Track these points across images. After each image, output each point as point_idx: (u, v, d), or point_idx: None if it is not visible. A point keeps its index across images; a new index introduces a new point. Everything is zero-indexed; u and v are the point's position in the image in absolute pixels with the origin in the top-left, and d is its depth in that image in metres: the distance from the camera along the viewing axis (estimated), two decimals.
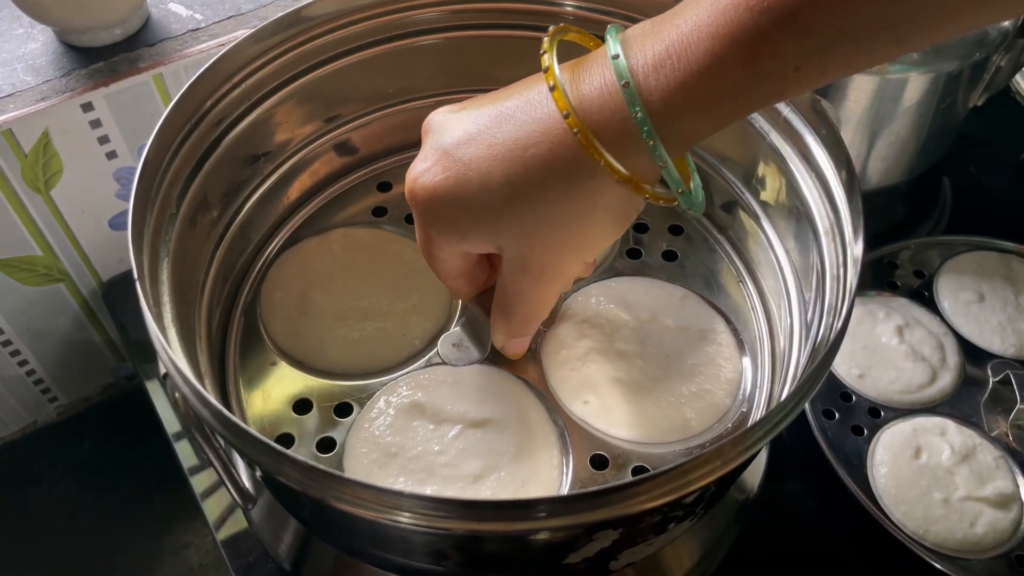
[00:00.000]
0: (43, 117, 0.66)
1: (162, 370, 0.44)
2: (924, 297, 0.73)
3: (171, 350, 0.42)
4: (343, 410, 0.53)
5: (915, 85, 0.68)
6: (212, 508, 0.66)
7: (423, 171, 0.42)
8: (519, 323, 0.49)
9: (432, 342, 0.55)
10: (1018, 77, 0.90)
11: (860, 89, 0.68)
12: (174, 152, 0.51)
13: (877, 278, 0.75)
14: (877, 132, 0.72)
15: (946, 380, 0.68)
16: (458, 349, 0.55)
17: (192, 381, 0.40)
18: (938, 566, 0.58)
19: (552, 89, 0.39)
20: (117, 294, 0.79)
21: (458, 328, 0.56)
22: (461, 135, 0.42)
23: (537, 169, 0.40)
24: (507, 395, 0.52)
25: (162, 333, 0.43)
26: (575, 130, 0.38)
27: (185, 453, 0.69)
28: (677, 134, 0.38)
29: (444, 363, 0.54)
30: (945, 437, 0.63)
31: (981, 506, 0.60)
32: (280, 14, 0.55)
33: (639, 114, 0.37)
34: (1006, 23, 0.68)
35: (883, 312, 0.71)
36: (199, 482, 0.68)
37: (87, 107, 0.68)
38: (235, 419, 0.40)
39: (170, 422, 0.70)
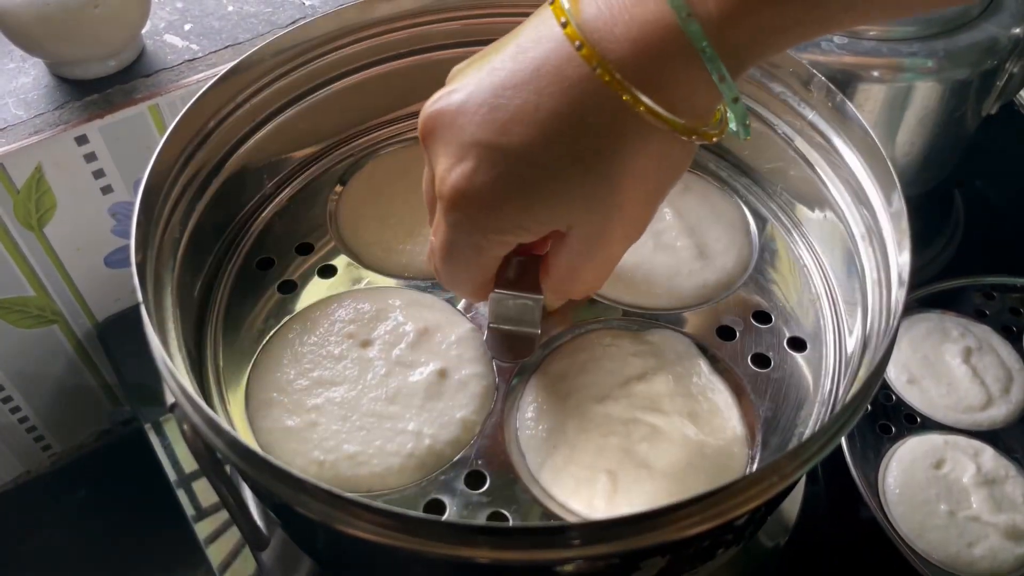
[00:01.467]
0: (36, 151, 0.64)
1: (170, 399, 0.42)
2: (1012, 333, 0.69)
3: (179, 376, 0.39)
4: None
5: (925, 93, 0.67)
6: (216, 554, 0.63)
7: (458, 173, 0.38)
8: (588, 289, 0.45)
9: None
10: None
11: (870, 98, 0.67)
12: (177, 172, 0.49)
13: (965, 302, 0.71)
14: (887, 142, 0.70)
15: (1002, 410, 0.64)
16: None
17: (203, 408, 0.38)
18: (919, 569, 0.55)
19: (579, 48, 0.36)
20: (113, 334, 0.76)
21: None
22: (487, 120, 0.38)
23: (584, 132, 0.37)
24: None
25: (169, 359, 0.40)
26: (624, 96, 0.36)
27: (187, 499, 0.66)
28: (737, 51, 0.35)
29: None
30: (977, 459, 0.60)
31: (988, 530, 0.57)
32: (283, 32, 0.53)
33: (694, 28, 0.34)
34: (1016, 30, 0.67)
35: (958, 331, 0.67)
36: (203, 528, 0.65)
37: (81, 140, 0.66)
38: (250, 445, 0.37)
39: (172, 466, 0.67)
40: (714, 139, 0.38)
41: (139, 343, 0.78)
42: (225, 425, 0.37)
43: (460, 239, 0.41)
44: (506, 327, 0.49)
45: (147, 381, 0.73)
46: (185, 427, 0.42)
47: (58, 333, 0.75)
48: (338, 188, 0.58)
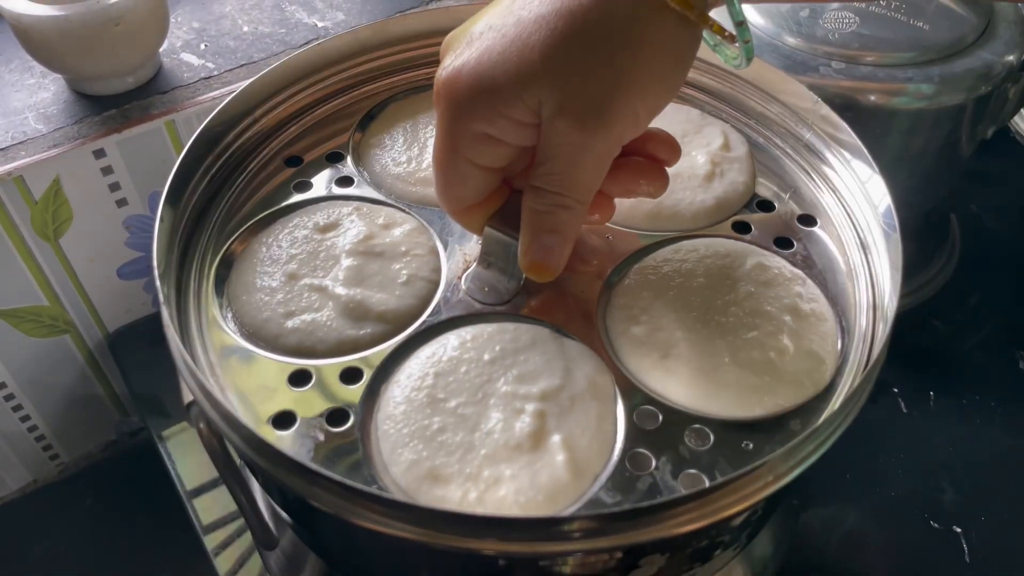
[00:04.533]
0: (54, 164, 0.66)
1: (187, 397, 0.43)
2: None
3: (198, 372, 0.40)
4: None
5: (921, 118, 0.69)
6: (224, 563, 0.64)
7: (444, 67, 0.40)
8: (568, 211, 0.41)
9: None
10: (1017, 119, 0.92)
11: (864, 123, 0.69)
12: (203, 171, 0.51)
13: None
14: (882, 166, 0.72)
15: None
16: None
17: (220, 403, 0.39)
18: None
19: None
20: (123, 345, 0.77)
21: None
22: (477, 24, 0.40)
23: (570, 10, 0.38)
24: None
25: (190, 357, 0.42)
26: None
27: (201, 507, 0.66)
28: None
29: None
30: None
31: None
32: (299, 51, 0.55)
33: None
34: (1010, 56, 0.69)
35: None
36: (211, 540, 0.65)
37: (99, 153, 0.67)
38: (266, 439, 0.38)
39: (184, 476, 0.68)
40: (724, 34, 0.40)
41: (149, 354, 0.79)
42: (243, 419, 0.39)
43: (443, 138, 0.41)
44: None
45: (156, 392, 0.74)
46: (201, 426, 0.43)
47: (70, 343, 0.76)
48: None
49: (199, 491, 0.68)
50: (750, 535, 0.47)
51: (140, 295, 0.77)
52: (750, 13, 0.71)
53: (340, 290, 0.48)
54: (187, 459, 0.70)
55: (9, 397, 0.75)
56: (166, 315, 0.43)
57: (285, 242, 0.50)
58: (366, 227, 0.51)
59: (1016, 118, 0.87)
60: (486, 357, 0.45)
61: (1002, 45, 0.69)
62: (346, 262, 0.49)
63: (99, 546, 0.81)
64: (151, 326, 0.78)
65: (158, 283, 0.43)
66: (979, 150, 0.75)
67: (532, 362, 0.44)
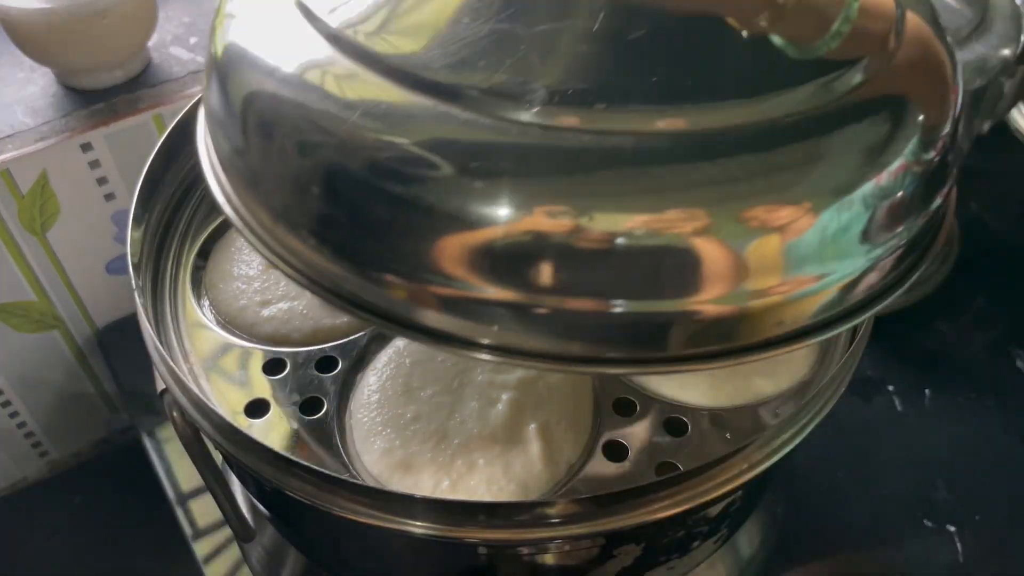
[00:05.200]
0: (42, 157, 0.66)
1: (160, 386, 0.42)
2: None
3: (169, 360, 0.40)
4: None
5: None
6: (215, 567, 0.63)
7: None
8: None
9: None
10: (1017, 115, 0.91)
11: None
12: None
13: None
14: None
15: None
16: None
17: (192, 390, 0.39)
18: None
19: None
20: (112, 341, 0.77)
21: None
22: None
23: None
24: None
25: (162, 345, 0.41)
26: None
27: (192, 508, 0.66)
28: None
29: None
30: None
31: None
32: None
33: None
34: (1006, 51, 0.68)
35: None
36: (201, 542, 0.65)
37: (86, 147, 0.67)
38: (239, 427, 0.38)
39: (175, 476, 0.67)
40: None
41: (138, 351, 0.78)
42: (215, 406, 0.38)
43: None
44: None
45: (145, 389, 0.73)
46: (175, 414, 0.42)
47: (58, 339, 0.76)
48: None
49: (192, 493, 0.68)
50: (731, 526, 0.47)
51: (129, 291, 0.76)
52: None
53: None
54: (178, 460, 0.69)
55: None
56: (139, 303, 0.42)
57: None
58: None
59: (1016, 115, 0.86)
60: None
61: (997, 38, 0.69)
62: None
63: (88, 544, 0.80)
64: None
65: (132, 272, 0.43)
66: (978, 147, 0.74)
67: None
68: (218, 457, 0.47)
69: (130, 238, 0.44)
